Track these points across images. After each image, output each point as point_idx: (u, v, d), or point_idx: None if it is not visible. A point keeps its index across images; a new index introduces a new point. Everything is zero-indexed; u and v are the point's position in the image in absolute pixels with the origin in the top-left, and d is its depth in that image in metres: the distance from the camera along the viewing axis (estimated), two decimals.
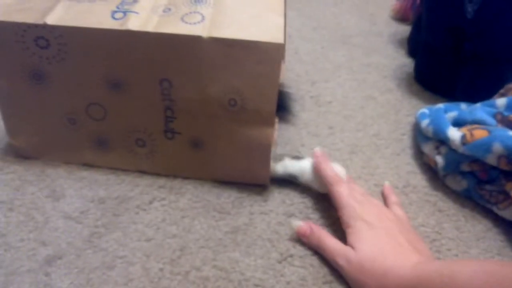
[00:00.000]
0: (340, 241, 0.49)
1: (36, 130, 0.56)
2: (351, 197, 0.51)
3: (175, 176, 0.58)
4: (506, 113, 0.57)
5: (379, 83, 0.79)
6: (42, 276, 0.46)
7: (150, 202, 0.54)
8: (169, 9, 0.51)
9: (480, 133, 0.54)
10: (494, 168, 0.54)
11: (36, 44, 0.49)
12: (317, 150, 0.57)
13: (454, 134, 0.56)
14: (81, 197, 0.54)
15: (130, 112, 0.53)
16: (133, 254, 0.49)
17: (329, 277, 0.48)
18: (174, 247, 0.50)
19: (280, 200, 0.56)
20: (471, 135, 0.54)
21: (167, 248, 0.50)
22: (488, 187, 0.55)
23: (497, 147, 0.52)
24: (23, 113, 0.55)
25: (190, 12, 0.50)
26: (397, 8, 0.99)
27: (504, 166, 0.52)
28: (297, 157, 0.57)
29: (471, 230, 0.54)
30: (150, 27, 0.48)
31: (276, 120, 0.63)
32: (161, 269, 0.48)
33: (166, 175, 0.58)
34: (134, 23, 0.48)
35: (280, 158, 0.57)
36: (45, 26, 0.48)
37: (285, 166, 0.56)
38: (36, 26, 0.48)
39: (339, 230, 0.51)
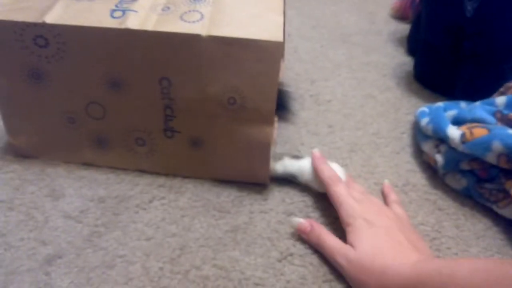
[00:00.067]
0: (340, 239, 0.49)
1: (35, 129, 0.56)
2: (349, 196, 0.51)
3: (174, 175, 0.58)
4: (505, 112, 0.57)
5: (379, 81, 0.79)
6: (42, 275, 0.46)
7: (150, 201, 0.54)
8: (168, 8, 0.51)
9: (479, 132, 0.54)
10: (493, 166, 0.54)
11: (35, 43, 0.49)
12: (315, 151, 0.57)
13: (454, 132, 0.56)
14: (81, 196, 0.54)
15: (129, 111, 0.53)
16: (133, 253, 0.49)
17: (329, 276, 0.48)
18: (174, 246, 0.50)
19: (280, 199, 0.56)
20: (471, 133, 0.54)
21: (167, 247, 0.50)
22: (487, 185, 0.55)
23: (497, 145, 0.52)
24: (22, 112, 0.55)
25: (189, 11, 0.50)
26: (396, 6, 0.99)
27: (503, 164, 0.52)
28: (297, 157, 0.57)
29: (471, 228, 0.54)
30: (149, 26, 0.48)
31: (276, 119, 0.63)
32: (161, 268, 0.48)
33: (166, 174, 0.58)
34: (133, 22, 0.48)
35: (279, 157, 0.57)
36: (44, 25, 0.48)
37: (284, 165, 0.56)
38: (35, 25, 0.48)
39: (339, 228, 0.51)
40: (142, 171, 0.58)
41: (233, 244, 0.50)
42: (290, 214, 0.54)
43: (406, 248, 0.46)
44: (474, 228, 0.55)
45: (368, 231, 0.47)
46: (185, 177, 0.57)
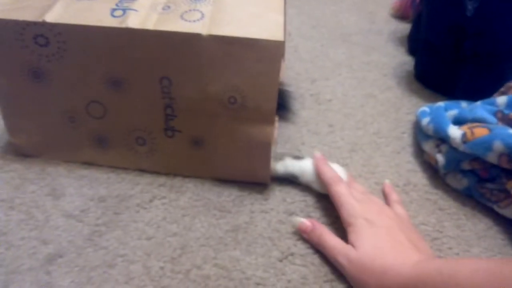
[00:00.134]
0: (341, 239, 0.49)
1: (36, 129, 0.56)
2: (350, 195, 0.51)
3: (175, 174, 0.57)
4: (506, 111, 0.57)
5: (379, 81, 0.79)
6: (43, 274, 0.46)
7: (151, 201, 0.54)
8: (169, 7, 0.51)
9: (480, 131, 0.54)
10: (494, 166, 0.54)
11: (35, 42, 0.49)
12: (317, 153, 0.57)
13: (455, 132, 0.56)
14: (82, 196, 0.54)
15: (130, 110, 0.53)
16: (133, 253, 0.49)
17: (330, 276, 0.48)
18: (174, 245, 0.50)
19: (281, 199, 0.56)
20: (472, 133, 0.54)
21: (168, 247, 0.50)
22: (488, 185, 0.55)
23: (498, 145, 0.52)
24: (23, 111, 0.55)
25: (190, 10, 0.50)
26: (397, 6, 0.99)
27: (504, 164, 0.52)
28: (298, 157, 0.57)
29: (472, 228, 0.54)
30: (150, 25, 0.48)
31: (276, 118, 0.63)
32: (161, 268, 0.47)
33: (166, 174, 0.57)
34: (134, 21, 0.48)
35: (280, 157, 0.57)
36: (44, 24, 0.48)
37: (285, 165, 0.56)
38: (35, 24, 0.48)
39: (340, 228, 0.51)
40: (143, 171, 0.58)
41: (234, 243, 0.50)
42: (291, 213, 0.54)
43: (407, 248, 0.46)
44: (475, 228, 0.55)
45: (369, 231, 0.47)
46: (185, 176, 0.57)
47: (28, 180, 0.56)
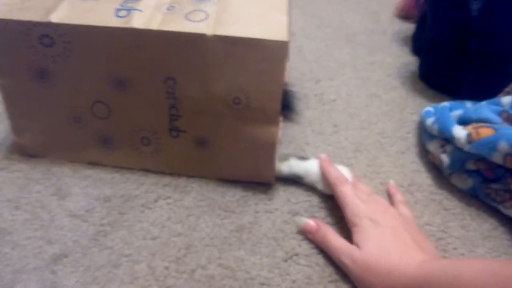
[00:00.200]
0: (346, 240, 0.49)
1: (41, 129, 0.56)
2: (355, 196, 0.51)
3: (180, 174, 0.58)
4: (511, 111, 0.57)
5: (384, 81, 0.79)
6: (48, 274, 0.46)
7: (155, 201, 0.54)
8: (173, 7, 0.51)
9: (485, 132, 0.54)
10: (500, 166, 0.54)
11: (40, 43, 0.49)
12: (322, 154, 0.57)
13: (460, 132, 0.56)
14: (87, 196, 0.54)
15: (134, 110, 0.53)
16: (138, 253, 0.49)
17: (335, 276, 0.48)
18: (179, 245, 0.50)
19: (285, 199, 0.56)
20: (477, 133, 0.54)
21: (173, 247, 0.50)
22: (494, 185, 0.55)
23: (503, 145, 0.51)
24: (28, 111, 0.55)
25: (194, 10, 0.50)
26: (401, 6, 0.99)
27: (510, 164, 0.52)
28: (303, 158, 0.57)
29: (477, 229, 0.54)
30: (154, 25, 0.48)
31: (280, 118, 0.63)
32: (166, 268, 0.48)
33: (171, 174, 0.58)
34: (138, 21, 0.48)
35: (285, 158, 0.57)
36: (49, 24, 0.48)
37: (290, 166, 0.56)
38: (40, 24, 0.48)
39: (344, 228, 0.51)
40: (148, 171, 0.58)
41: (239, 243, 0.50)
42: (296, 214, 0.54)
43: (412, 248, 0.46)
44: (480, 228, 0.54)
45: (374, 231, 0.47)
46: (190, 176, 0.57)
47: (34, 180, 0.56)
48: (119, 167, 0.58)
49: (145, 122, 0.54)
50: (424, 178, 0.60)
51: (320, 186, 0.55)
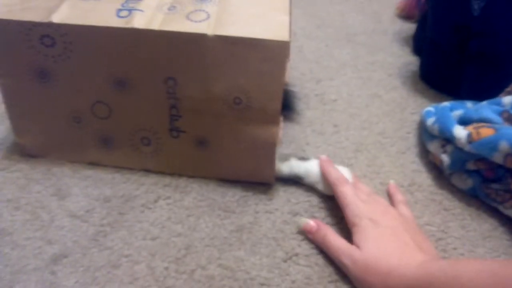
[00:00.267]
0: (346, 240, 0.48)
1: (41, 129, 0.56)
2: (355, 196, 0.51)
3: (180, 174, 0.58)
4: None
5: (384, 81, 0.79)
6: (48, 274, 0.46)
7: (155, 201, 0.54)
8: (174, 7, 0.51)
9: (486, 132, 0.54)
10: (500, 166, 0.53)
11: (41, 43, 0.49)
12: (322, 155, 0.57)
13: (460, 132, 0.56)
14: (87, 196, 0.55)
15: (135, 110, 0.53)
16: (138, 253, 0.49)
17: (335, 276, 0.48)
18: (179, 246, 0.50)
19: (285, 199, 0.56)
20: (477, 133, 0.54)
21: (172, 247, 0.50)
22: (494, 185, 0.55)
23: (504, 145, 0.51)
24: (29, 111, 0.55)
25: (195, 10, 0.50)
26: (402, 5, 0.99)
27: (510, 164, 0.52)
28: (303, 158, 0.57)
29: (477, 229, 0.54)
30: (155, 25, 0.48)
31: (281, 118, 0.63)
32: (166, 268, 0.48)
33: (171, 174, 0.58)
34: (139, 21, 0.48)
35: (286, 158, 0.57)
36: (50, 25, 0.48)
37: (290, 166, 0.56)
38: (41, 24, 0.48)
39: (344, 228, 0.51)
40: (148, 171, 0.58)
41: (239, 244, 0.50)
42: (296, 214, 0.54)
43: (412, 248, 0.46)
44: (480, 228, 0.54)
45: (374, 231, 0.47)
46: (190, 176, 0.57)
47: (34, 180, 0.56)
48: (119, 167, 0.58)
49: (145, 122, 0.54)
50: (424, 178, 0.60)
51: (320, 186, 0.56)
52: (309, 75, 0.79)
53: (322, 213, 0.54)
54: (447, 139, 0.58)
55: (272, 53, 0.47)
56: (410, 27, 0.92)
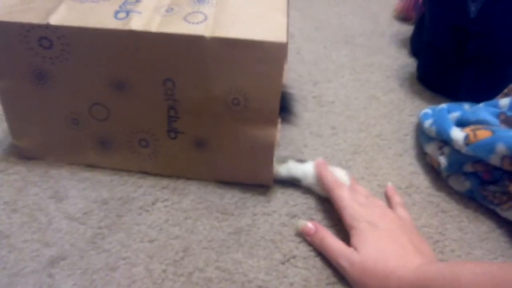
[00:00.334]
0: (344, 242, 0.48)
1: (39, 131, 0.56)
2: (352, 199, 0.51)
3: (178, 177, 0.57)
4: (509, 113, 0.57)
5: (382, 83, 0.79)
6: (45, 277, 0.46)
7: (153, 203, 0.54)
8: (172, 9, 0.51)
9: (483, 134, 0.54)
10: (497, 168, 0.54)
11: (39, 45, 0.49)
12: (318, 159, 0.57)
13: (457, 134, 0.56)
14: (84, 198, 0.54)
15: (133, 112, 0.53)
16: (136, 255, 0.49)
17: (333, 279, 0.48)
18: (177, 248, 0.50)
19: (283, 201, 0.56)
20: (475, 135, 0.54)
21: (170, 249, 0.50)
22: (491, 187, 0.55)
23: (501, 147, 0.52)
24: (26, 113, 0.55)
25: (193, 12, 0.50)
26: (399, 7, 0.99)
27: (507, 166, 0.52)
28: (301, 160, 0.58)
29: (474, 231, 0.54)
30: (153, 27, 0.48)
31: (279, 121, 0.63)
32: (164, 270, 0.48)
33: (169, 176, 0.57)
34: (137, 23, 0.48)
35: (283, 160, 0.57)
36: (48, 27, 0.48)
37: (288, 168, 0.56)
38: (39, 26, 0.48)
39: (342, 231, 0.51)
40: (146, 173, 0.58)
41: (236, 246, 0.50)
42: (294, 216, 0.54)
43: (410, 251, 0.46)
44: (478, 230, 0.54)
45: (371, 234, 0.47)
46: (188, 178, 0.57)
47: (31, 183, 0.56)
48: (117, 169, 0.58)
49: (143, 124, 0.54)
50: (422, 180, 0.60)
51: (317, 188, 0.56)
52: (307, 77, 0.79)
53: (320, 215, 0.54)
54: (445, 141, 0.58)
55: (269, 55, 0.47)
56: (407, 29, 0.93)
